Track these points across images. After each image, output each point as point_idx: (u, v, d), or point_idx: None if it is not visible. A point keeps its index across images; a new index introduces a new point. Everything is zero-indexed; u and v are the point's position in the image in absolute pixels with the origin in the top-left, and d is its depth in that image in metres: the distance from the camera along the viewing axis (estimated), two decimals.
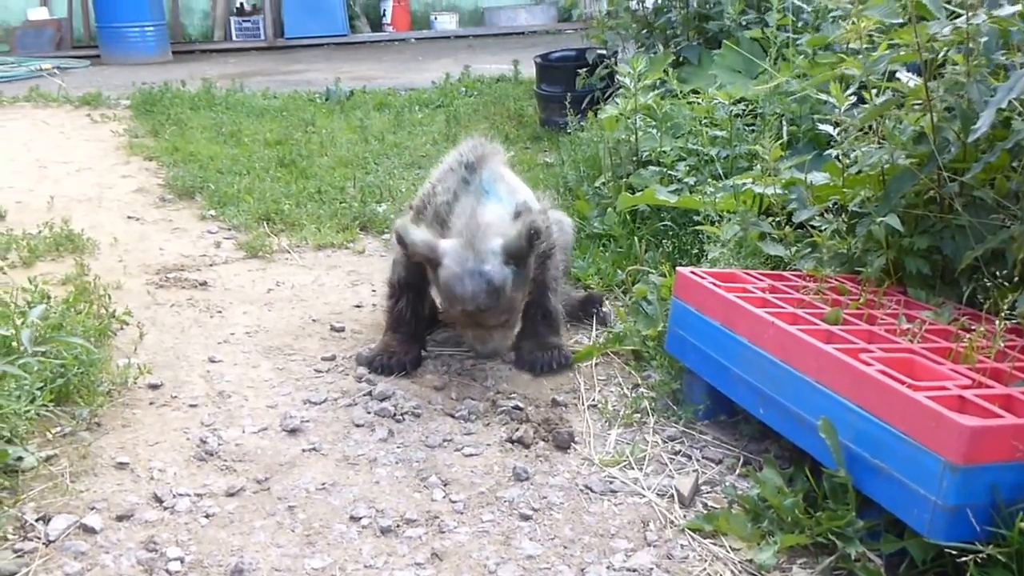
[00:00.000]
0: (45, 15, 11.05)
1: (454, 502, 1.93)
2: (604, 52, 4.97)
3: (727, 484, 1.97)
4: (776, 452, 2.06)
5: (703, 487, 1.98)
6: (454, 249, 2.30)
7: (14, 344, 1.84)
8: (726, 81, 3.72)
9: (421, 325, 2.60)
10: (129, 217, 3.99)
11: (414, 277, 2.51)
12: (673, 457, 2.10)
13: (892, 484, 1.60)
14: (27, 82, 7.82)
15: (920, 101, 2.19)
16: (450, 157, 2.60)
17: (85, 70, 9.35)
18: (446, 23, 12.23)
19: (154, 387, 2.39)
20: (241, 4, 11.53)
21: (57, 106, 6.70)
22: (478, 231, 2.32)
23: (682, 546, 1.78)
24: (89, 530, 1.79)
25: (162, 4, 10.52)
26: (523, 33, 11.65)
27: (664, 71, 3.82)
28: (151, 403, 2.32)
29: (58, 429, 2.13)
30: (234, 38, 11.48)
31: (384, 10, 11.99)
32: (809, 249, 2.42)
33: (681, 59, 4.31)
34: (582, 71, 4.85)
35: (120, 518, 1.84)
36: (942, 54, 2.19)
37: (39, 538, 1.76)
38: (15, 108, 6.67)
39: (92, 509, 1.86)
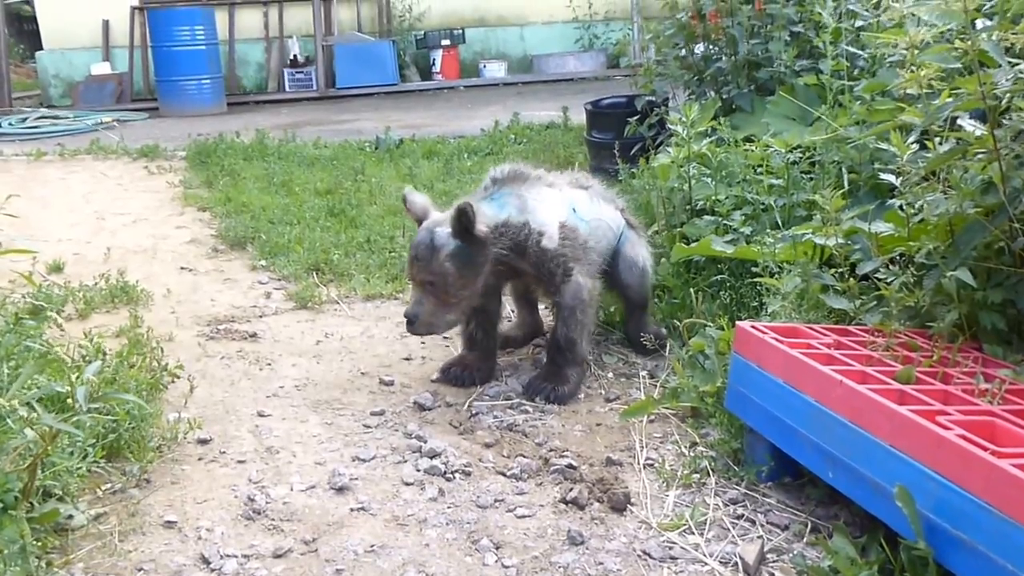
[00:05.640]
0: (107, 70, 11.48)
1: (506, 567, 1.86)
2: (654, 99, 4.93)
3: (795, 553, 1.86)
4: (846, 518, 1.95)
5: (769, 555, 1.88)
6: (436, 216, 2.68)
7: (69, 401, 1.84)
8: (779, 128, 3.65)
9: (493, 343, 2.84)
10: (182, 268, 4.05)
11: (483, 301, 2.72)
12: (736, 522, 2.00)
13: (977, 558, 1.49)
14: (89, 135, 8.10)
15: (986, 150, 2.11)
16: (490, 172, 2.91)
17: (143, 122, 9.65)
18: (495, 71, 12.36)
19: (203, 442, 2.38)
20: (294, 56, 11.86)
21: (116, 158, 6.90)
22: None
23: None
24: None
25: (219, 57, 10.87)
26: (572, 80, 11.71)
27: (715, 118, 3.77)
28: (200, 459, 2.31)
29: (108, 486, 2.12)
30: (287, 89, 11.78)
31: (433, 59, 12.19)
32: (875, 302, 2.32)
33: (733, 106, 4.25)
34: (632, 119, 4.82)
35: None
36: (1005, 101, 2.11)
37: None
38: (76, 161, 6.89)
39: (140, 571, 1.83)
